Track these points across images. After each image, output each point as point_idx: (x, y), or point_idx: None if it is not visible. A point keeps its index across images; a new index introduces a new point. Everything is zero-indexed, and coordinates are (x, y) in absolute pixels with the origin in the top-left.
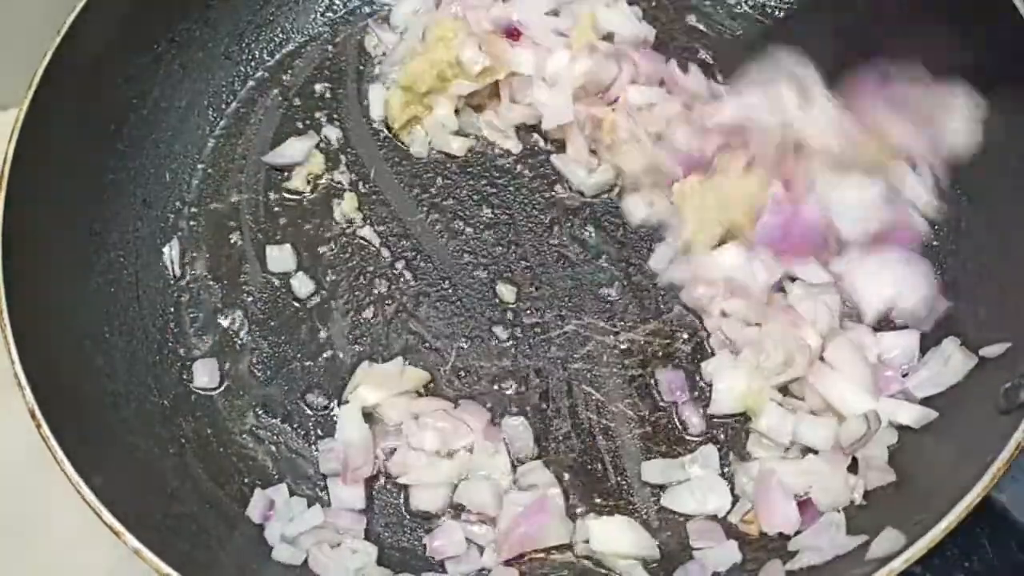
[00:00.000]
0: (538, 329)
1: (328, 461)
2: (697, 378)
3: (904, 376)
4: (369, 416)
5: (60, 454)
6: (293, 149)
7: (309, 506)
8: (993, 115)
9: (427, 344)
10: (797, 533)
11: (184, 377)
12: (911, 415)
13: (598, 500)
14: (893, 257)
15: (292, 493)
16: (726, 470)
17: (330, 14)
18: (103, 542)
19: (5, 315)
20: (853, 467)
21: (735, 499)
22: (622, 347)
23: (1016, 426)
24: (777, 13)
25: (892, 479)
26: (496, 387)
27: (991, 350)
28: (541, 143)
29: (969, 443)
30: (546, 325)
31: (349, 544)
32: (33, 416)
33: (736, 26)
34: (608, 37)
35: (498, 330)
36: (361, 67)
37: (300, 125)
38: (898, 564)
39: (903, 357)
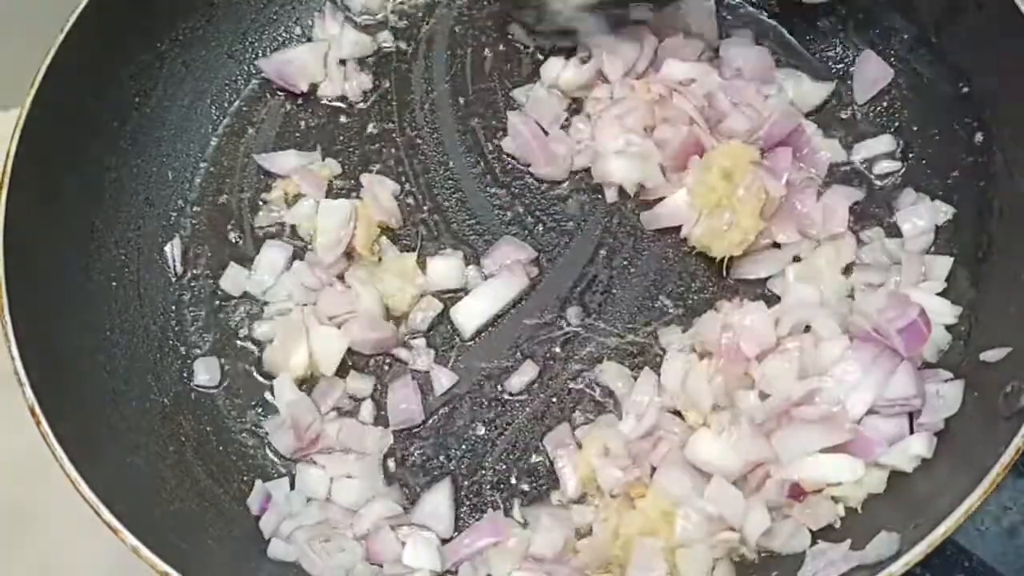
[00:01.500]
0: (540, 331)
1: (280, 437)
2: None
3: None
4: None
5: (59, 451)
6: (285, 160)
7: (307, 503)
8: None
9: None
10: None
11: (184, 375)
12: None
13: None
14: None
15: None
16: None
17: None
18: (103, 540)
19: (6, 312)
20: None
21: None
22: (623, 349)
23: (1016, 431)
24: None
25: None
26: (497, 387)
27: (991, 354)
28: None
29: (969, 447)
30: (548, 326)
31: (338, 543)
32: (33, 413)
33: (737, 22)
34: None
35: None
36: None
37: (303, 125)
38: (897, 568)
39: (892, 437)
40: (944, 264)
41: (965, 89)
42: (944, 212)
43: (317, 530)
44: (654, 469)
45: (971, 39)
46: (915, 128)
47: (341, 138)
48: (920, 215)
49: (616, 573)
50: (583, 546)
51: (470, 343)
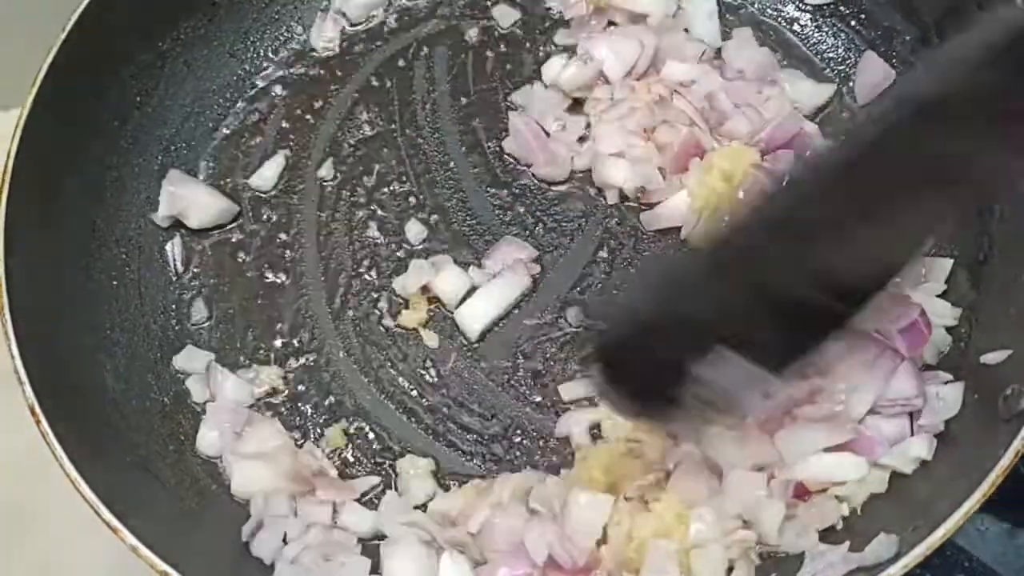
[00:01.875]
0: (540, 331)
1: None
2: None
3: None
4: None
5: (59, 450)
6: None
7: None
8: None
9: (427, 344)
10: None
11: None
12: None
13: None
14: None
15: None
16: None
17: None
18: (103, 540)
19: (6, 310)
20: None
21: None
22: None
23: (1015, 434)
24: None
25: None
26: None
27: (992, 357)
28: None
29: (968, 450)
30: (547, 327)
31: (341, 558)
32: (32, 412)
33: (738, 23)
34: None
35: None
36: None
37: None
38: (896, 571)
39: (894, 437)
40: (944, 266)
41: None
42: None
43: (320, 550)
44: (669, 473)
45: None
46: None
47: (341, 137)
48: None
49: None
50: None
51: (476, 344)
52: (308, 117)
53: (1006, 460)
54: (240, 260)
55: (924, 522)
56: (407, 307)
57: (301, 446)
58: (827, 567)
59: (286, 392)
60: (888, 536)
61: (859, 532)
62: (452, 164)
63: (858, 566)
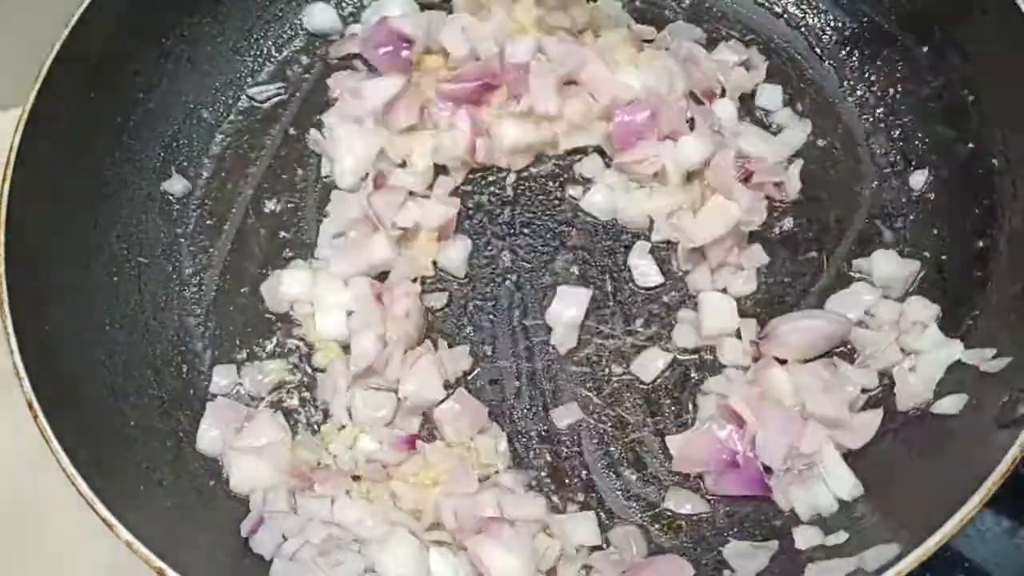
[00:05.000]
0: (539, 331)
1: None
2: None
3: None
4: None
5: (56, 444)
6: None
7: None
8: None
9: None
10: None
11: (184, 371)
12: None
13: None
14: None
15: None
16: None
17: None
18: (104, 538)
19: (6, 306)
20: None
21: None
22: (623, 350)
23: (1013, 440)
24: None
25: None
26: (495, 387)
27: (991, 364)
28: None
29: (966, 455)
30: (547, 327)
31: (336, 556)
32: (31, 407)
33: None
34: None
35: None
36: None
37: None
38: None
39: None
40: (923, 307)
41: (971, 98)
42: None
43: (319, 547)
44: None
45: (975, 45)
46: (919, 134)
47: None
48: (890, 264)
49: None
50: None
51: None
52: (310, 115)
53: (1004, 466)
54: (242, 256)
55: (923, 527)
56: None
57: (299, 441)
58: (823, 571)
59: (284, 388)
60: (887, 542)
61: (858, 537)
62: None
63: (856, 568)
